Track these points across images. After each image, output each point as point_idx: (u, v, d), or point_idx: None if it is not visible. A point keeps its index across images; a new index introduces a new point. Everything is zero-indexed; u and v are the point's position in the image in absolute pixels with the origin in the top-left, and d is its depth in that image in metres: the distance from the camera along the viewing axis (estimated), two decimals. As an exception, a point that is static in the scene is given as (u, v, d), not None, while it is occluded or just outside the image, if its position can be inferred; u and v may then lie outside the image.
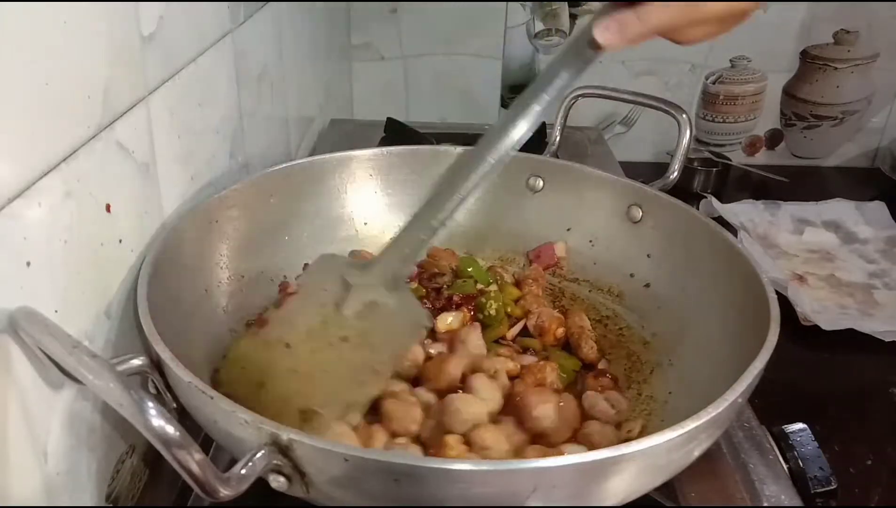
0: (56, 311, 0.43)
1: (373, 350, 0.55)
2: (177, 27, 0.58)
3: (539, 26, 1.34)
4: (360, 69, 1.39)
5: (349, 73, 1.39)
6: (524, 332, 0.68)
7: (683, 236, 0.67)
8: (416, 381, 0.58)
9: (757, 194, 1.24)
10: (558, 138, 0.85)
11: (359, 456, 0.38)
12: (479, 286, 0.68)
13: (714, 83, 1.35)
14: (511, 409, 0.53)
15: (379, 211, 0.77)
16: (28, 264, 0.40)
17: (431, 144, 1.01)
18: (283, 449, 0.39)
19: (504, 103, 1.42)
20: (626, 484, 0.43)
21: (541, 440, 0.52)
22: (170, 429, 0.34)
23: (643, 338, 0.67)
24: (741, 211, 1.16)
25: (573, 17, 1.34)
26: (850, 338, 0.86)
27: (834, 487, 0.59)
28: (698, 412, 0.42)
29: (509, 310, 0.68)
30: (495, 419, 0.53)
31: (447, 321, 0.65)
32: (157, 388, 0.48)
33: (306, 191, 0.73)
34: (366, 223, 0.76)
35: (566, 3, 1.33)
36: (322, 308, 0.56)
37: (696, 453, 0.46)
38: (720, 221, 0.81)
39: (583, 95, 0.82)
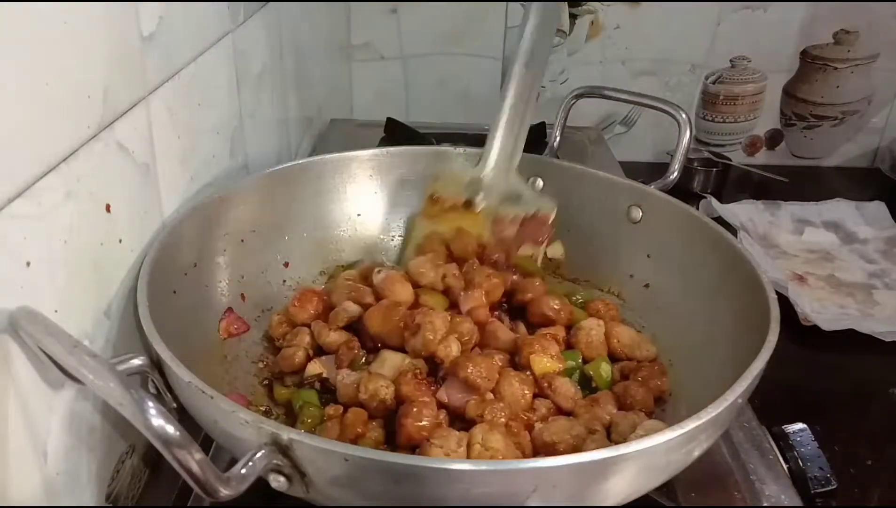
0: (56, 311, 0.43)
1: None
2: (177, 27, 0.58)
3: (539, 26, 1.34)
4: (360, 69, 1.39)
5: (349, 73, 1.39)
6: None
7: (683, 236, 0.67)
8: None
9: (757, 194, 1.24)
10: (558, 139, 0.85)
11: (359, 456, 0.38)
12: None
13: (714, 83, 1.35)
14: None
15: (379, 211, 0.77)
16: (28, 264, 0.40)
17: (431, 144, 1.01)
18: (283, 449, 0.39)
19: (504, 103, 1.42)
20: (625, 484, 0.43)
21: None
22: (170, 429, 0.34)
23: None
24: (741, 211, 1.16)
25: (573, 17, 1.34)
26: (850, 338, 0.86)
27: (834, 487, 0.59)
28: (698, 412, 0.42)
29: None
30: None
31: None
32: (157, 388, 0.48)
33: (306, 191, 0.73)
34: (366, 223, 0.76)
35: (566, 3, 1.33)
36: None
37: (696, 453, 0.46)
38: (720, 221, 0.81)
39: (583, 95, 0.82)
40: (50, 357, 0.39)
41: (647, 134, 1.39)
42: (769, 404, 0.64)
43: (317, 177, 0.74)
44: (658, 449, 0.41)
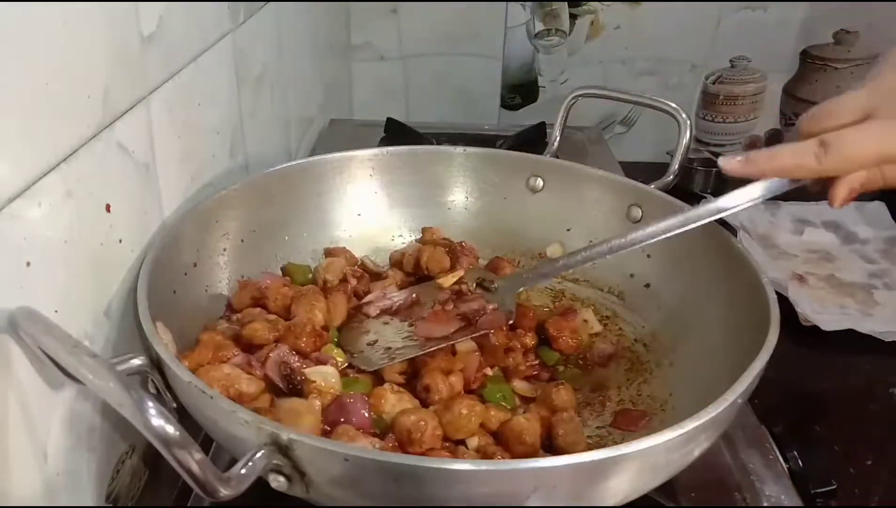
0: (56, 311, 0.43)
1: None
2: (177, 27, 0.58)
3: (539, 26, 1.34)
4: (360, 69, 1.39)
5: (349, 73, 1.39)
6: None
7: (683, 236, 0.67)
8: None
9: (757, 194, 1.24)
10: (558, 138, 0.85)
11: (359, 456, 0.38)
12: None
13: (714, 83, 1.35)
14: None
15: (379, 211, 0.77)
16: (28, 264, 0.40)
17: (431, 144, 1.01)
18: (283, 449, 0.39)
19: (504, 103, 1.42)
20: (626, 484, 0.43)
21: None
22: (170, 429, 0.34)
23: (643, 338, 0.67)
24: (741, 211, 1.15)
25: (573, 17, 1.34)
26: (850, 338, 0.86)
27: (834, 487, 0.59)
28: (698, 412, 0.42)
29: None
30: None
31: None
32: (157, 388, 0.48)
33: (306, 191, 0.73)
34: (365, 224, 0.76)
35: (566, 3, 1.33)
36: None
37: (696, 453, 0.46)
38: (720, 221, 0.81)
39: (583, 96, 0.82)
40: (50, 357, 0.39)
41: (647, 134, 1.39)
42: (769, 404, 0.64)
43: (317, 177, 0.74)
44: (658, 449, 0.41)
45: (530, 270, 0.67)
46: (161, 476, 0.57)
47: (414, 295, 0.66)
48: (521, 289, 0.66)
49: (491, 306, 0.62)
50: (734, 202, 0.59)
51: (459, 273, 0.68)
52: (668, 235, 0.59)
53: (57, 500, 0.44)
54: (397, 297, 0.66)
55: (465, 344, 0.61)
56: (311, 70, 1.10)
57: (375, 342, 0.61)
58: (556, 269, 0.65)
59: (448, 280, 0.67)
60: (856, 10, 1.31)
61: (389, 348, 0.60)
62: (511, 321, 0.62)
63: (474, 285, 0.66)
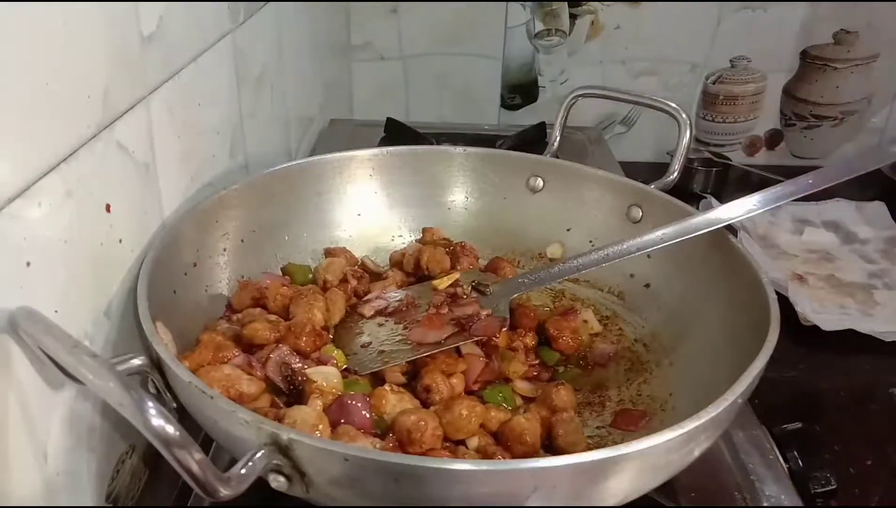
0: (56, 311, 0.43)
1: None
2: (177, 27, 0.58)
3: (539, 26, 1.34)
4: (360, 69, 1.39)
5: (349, 73, 1.39)
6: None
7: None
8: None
9: (757, 194, 1.24)
10: (558, 138, 0.85)
11: (359, 456, 0.38)
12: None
13: (714, 83, 1.35)
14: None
15: (379, 211, 0.77)
16: (28, 264, 0.40)
17: (431, 144, 1.01)
18: (283, 449, 0.39)
19: (504, 103, 1.42)
20: (626, 484, 0.43)
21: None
22: (170, 429, 0.34)
23: (643, 338, 0.67)
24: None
25: (573, 17, 1.34)
26: (850, 338, 0.86)
27: (834, 487, 0.59)
28: (698, 412, 0.42)
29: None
30: None
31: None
32: (157, 388, 0.48)
33: (306, 191, 0.73)
34: (365, 224, 0.76)
35: (566, 3, 1.33)
36: None
37: (696, 453, 0.46)
38: (720, 221, 0.81)
39: (583, 96, 0.82)
40: (50, 357, 0.39)
41: (647, 134, 1.39)
42: (769, 404, 0.64)
43: (317, 177, 0.74)
44: (658, 449, 0.41)
45: (526, 274, 0.67)
46: (161, 476, 0.57)
47: (409, 296, 0.66)
48: (516, 295, 0.66)
49: (485, 312, 0.62)
50: (732, 213, 0.60)
51: (455, 275, 0.68)
52: (665, 244, 0.61)
53: (57, 500, 0.44)
54: (393, 297, 0.66)
55: (471, 347, 0.61)
56: (311, 70, 1.10)
57: (369, 344, 0.61)
58: (551, 275, 0.65)
59: (443, 282, 0.67)
60: (856, 10, 1.31)
61: (383, 351, 0.60)
62: (505, 328, 0.62)
63: (469, 287, 0.66)
